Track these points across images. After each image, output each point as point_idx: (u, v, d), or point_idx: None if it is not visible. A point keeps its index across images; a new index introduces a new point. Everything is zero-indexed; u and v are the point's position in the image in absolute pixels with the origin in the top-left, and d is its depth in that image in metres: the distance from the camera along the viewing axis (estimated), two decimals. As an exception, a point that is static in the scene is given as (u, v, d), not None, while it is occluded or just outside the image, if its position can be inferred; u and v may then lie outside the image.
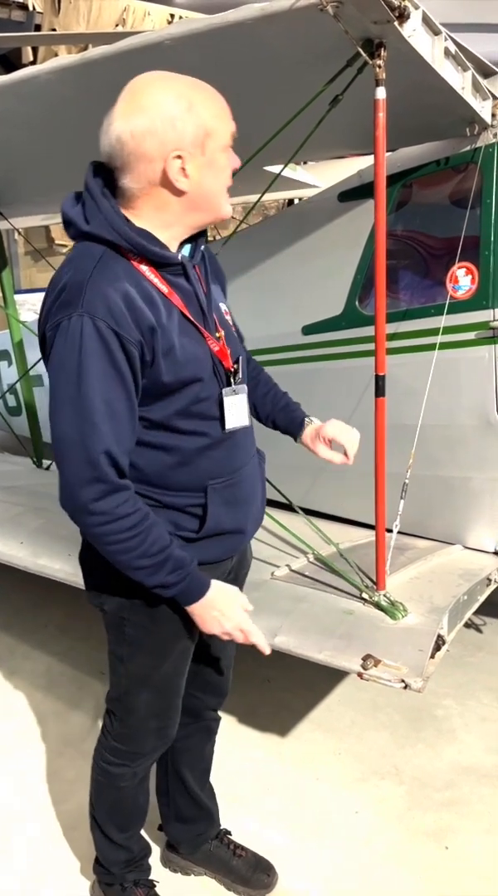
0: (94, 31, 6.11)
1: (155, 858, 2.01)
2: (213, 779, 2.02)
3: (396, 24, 1.69)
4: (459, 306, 2.46)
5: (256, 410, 1.76)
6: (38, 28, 6.88)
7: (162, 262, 1.40)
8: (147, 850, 1.93)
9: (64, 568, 2.48)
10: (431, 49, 1.89)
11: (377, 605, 2.12)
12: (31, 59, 6.61)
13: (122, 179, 1.36)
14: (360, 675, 1.86)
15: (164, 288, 1.39)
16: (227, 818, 2.08)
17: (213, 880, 2.00)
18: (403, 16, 1.68)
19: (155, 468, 1.46)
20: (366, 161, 3.01)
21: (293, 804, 2.27)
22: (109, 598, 1.57)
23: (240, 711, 2.64)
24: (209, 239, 5.29)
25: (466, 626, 2.91)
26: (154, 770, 1.91)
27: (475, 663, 2.92)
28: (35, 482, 3.64)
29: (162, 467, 1.46)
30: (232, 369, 1.50)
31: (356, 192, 2.81)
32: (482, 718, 2.61)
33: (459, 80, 2.10)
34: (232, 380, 1.49)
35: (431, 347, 2.46)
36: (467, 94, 2.15)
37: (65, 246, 7.36)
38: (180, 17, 6.47)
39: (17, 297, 4.24)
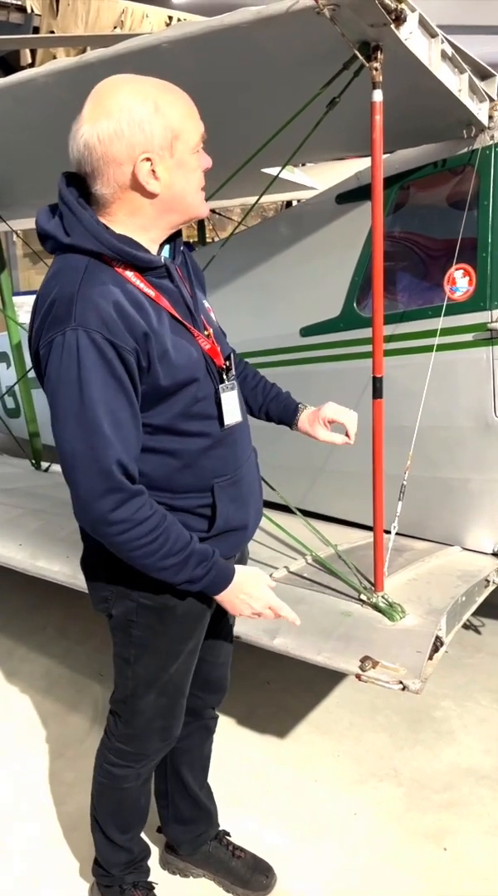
0: (92, 34, 6.11)
1: (154, 860, 2.01)
2: (213, 780, 2.03)
3: (392, 26, 1.69)
4: (456, 308, 2.46)
5: (247, 404, 1.76)
6: (36, 30, 6.88)
7: (146, 267, 1.40)
8: (147, 852, 1.93)
9: (62, 570, 2.48)
10: (427, 52, 1.89)
11: (375, 607, 2.12)
12: (30, 61, 6.61)
13: (93, 186, 1.36)
14: (358, 676, 1.87)
15: (151, 292, 1.39)
16: (227, 819, 2.08)
17: (212, 882, 2.00)
18: (399, 19, 1.69)
19: (161, 473, 1.46)
20: (364, 163, 3.01)
21: (292, 805, 2.27)
22: (116, 601, 1.58)
23: (239, 713, 2.64)
24: (208, 240, 5.32)
25: (465, 627, 2.92)
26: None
27: (474, 665, 2.92)
28: (34, 484, 3.65)
29: (168, 471, 1.46)
30: (224, 366, 1.51)
31: (354, 194, 2.81)
32: (481, 720, 2.61)
33: (456, 83, 2.11)
34: (225, 376, 1.50)
35: (428, 349, 2.47)
36: (464, 97, 2.15)
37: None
38: (179, 20, 6.47)
39: (16, 300, 4.24)
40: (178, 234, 1.50)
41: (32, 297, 1.44)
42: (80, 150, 1.33)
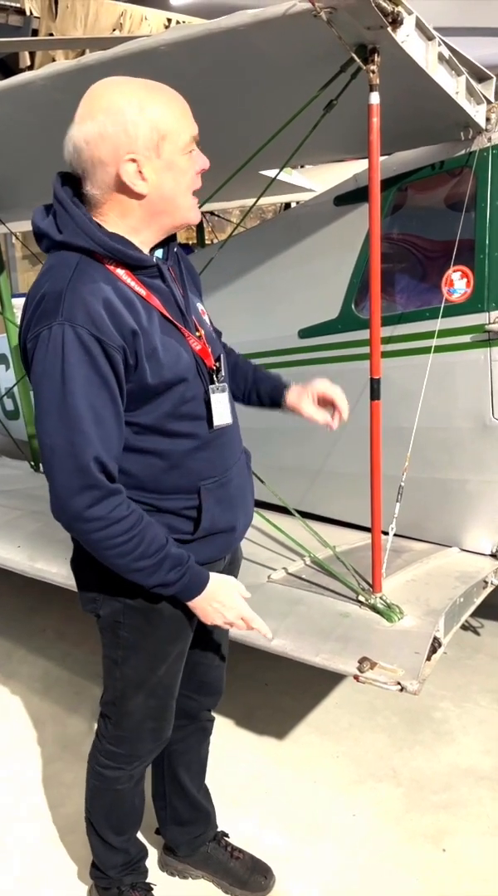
0: (90, 36, 6.13)
1: (152, 861, 2.01)
2: (211, 781, 2.03)
3: (389, 29, 1.69)
4: (454, 309, 2.46)
5: (236, 388, 1.75)
6: (35, 32, 6.89)
7: (138, 265, 1.40)
8: (144, 853, 1.93)
9: (61, 571, 2.48)
10: (424, 54, 1.90)
11: (373, 608, 2.12)
12: (29, 63, 6.62)
13: (85, 187, 1.37)
14: (356, 677, 1.87)
15: (142, 290, 1.40)
16: (225, 820, 2.09)
17: (211, 883, 2.00)
18: (396, 21, 1.69)
19: (148, 473, 1.46)
20: (362, 165, 3.02)
21: (291, 807, 2.28)
22: (103, 602, 1.58)
23: (237, 714, 2.64)
24: (207, 242, 5.32)
25: (464, 628, 2.92)
26: (150, 775, 1.91)
27: (473, 665, 2.92)
28: (32, 486, 3.64)
29: (155, 472, 1.46)
30: (214, 367, 1.51)
31: (352, 196, 2.82)
32: (480, 720, 2.62)
33: (453, 85, 2.11)
34: (215, 378, 1.50)
35: (426, 350, 2.47)
36: (461, 99, 2.16)
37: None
38: (178, 22, 6.49)
39: (15, 301, 4.24)
40: (172, 237, 1.50)
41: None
42: (71, 152, 1.35)
